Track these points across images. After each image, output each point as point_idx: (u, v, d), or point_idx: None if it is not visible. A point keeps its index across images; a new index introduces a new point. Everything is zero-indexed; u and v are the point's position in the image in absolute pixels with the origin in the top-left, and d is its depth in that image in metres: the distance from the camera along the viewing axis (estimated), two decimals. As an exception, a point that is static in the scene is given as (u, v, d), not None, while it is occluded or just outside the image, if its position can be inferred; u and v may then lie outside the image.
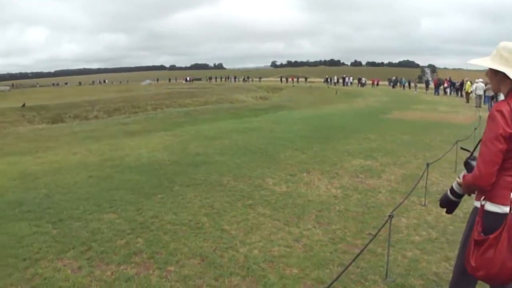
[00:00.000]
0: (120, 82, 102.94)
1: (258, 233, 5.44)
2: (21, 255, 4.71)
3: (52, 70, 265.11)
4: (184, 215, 6.07)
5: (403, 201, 5.16)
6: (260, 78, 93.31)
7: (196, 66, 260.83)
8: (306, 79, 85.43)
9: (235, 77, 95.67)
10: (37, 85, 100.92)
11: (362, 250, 3.57)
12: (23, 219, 5.90)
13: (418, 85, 56.93)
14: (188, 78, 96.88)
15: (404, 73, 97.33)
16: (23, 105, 26.81)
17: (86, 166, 9.29)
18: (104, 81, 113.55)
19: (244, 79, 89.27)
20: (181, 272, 4.36)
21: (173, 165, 9.29)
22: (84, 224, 5.69)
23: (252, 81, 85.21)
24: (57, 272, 4.32)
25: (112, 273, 4.32)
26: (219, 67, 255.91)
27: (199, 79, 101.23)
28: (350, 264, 3.29)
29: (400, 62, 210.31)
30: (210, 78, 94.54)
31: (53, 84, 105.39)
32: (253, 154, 10.55)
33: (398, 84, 62.83)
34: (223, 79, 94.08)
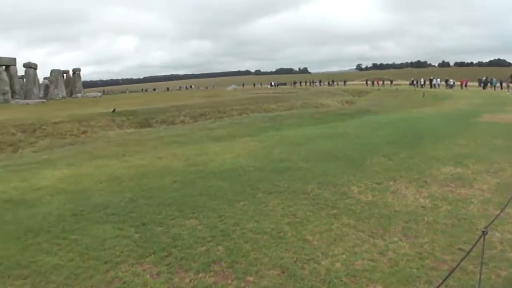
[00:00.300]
0: (206, 87, 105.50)
1: (341, 245, 5.19)
2: (103, 257, 4.81)
3: (141, 77, 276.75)
4: (266, 224, 5.93)
5: (499, 214, 4.69)
6: (345, 81, 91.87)
7: (281, 71, 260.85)
8: (391, 82, 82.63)
9: (320, 81, 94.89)
10: (127, 91, 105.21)
11: (454, 269, 3.28)
12: (107, 222, 6.05)
13: (511, 85, 52.99)
14: (273, 83, 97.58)
15: (495, 72, 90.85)
16: (114, 110, 27.91)
17: (171, 171, 9.44)
18: (191, 87, 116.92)
19: (329, 83, 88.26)
20: (260, 283, 4.22)
21: (257, 172, 9.18)
22: (166, 230, 5.73)
23: (337, 84, 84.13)
24: (137, 277, 4.34)
25: (190, 281, 4.28)
26: (304, 71, 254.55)
27: (284, 84, 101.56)
28: (441, 284, 2.96)
29: (490, 61, 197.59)
30: (295, 83, 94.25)
31: (142, 90, 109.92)
32: (338, 160, 10.21)
33: (489, 84, 58.83)
34: (308, 83, 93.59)
